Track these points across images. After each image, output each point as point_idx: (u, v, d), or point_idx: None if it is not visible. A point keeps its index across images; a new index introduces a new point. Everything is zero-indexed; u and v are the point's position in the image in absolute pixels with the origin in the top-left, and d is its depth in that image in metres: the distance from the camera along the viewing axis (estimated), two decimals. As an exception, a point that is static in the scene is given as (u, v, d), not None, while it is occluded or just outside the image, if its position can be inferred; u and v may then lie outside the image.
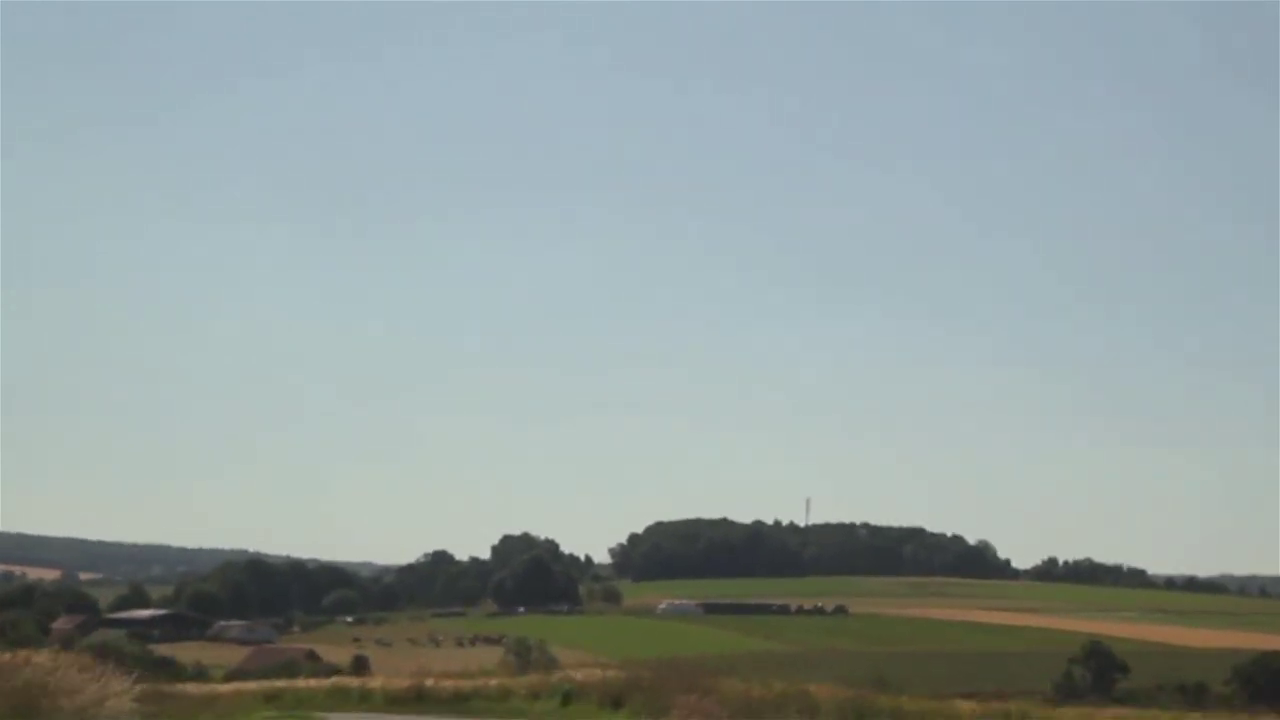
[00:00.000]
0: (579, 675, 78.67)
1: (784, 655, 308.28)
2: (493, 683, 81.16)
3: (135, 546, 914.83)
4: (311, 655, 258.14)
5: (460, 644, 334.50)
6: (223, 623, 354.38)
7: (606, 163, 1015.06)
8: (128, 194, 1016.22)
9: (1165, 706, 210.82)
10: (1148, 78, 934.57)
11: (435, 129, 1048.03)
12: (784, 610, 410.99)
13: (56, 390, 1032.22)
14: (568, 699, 75.26)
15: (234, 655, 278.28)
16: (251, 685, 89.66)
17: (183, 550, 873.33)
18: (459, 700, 77.78)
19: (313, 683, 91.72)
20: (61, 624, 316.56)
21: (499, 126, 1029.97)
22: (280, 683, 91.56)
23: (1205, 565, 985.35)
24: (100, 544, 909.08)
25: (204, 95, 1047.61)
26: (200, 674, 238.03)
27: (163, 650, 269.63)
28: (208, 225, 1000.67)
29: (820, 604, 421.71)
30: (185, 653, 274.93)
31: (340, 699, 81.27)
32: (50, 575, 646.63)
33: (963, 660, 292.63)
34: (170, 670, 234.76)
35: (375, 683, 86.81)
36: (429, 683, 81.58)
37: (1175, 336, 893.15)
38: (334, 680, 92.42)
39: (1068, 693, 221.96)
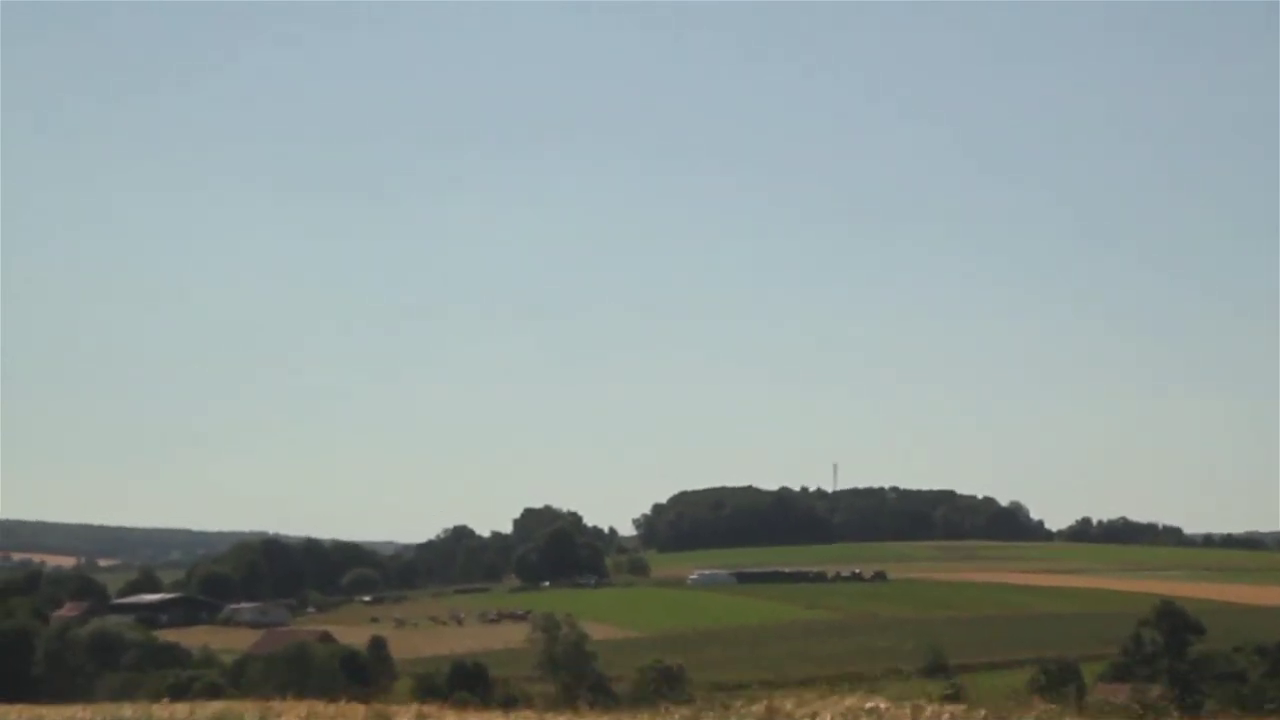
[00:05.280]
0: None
1: (830, 624, 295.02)
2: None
3: (153, 531, 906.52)
4: (326, 637, 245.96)
5: (485, 621, 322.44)
6: (234, 606, 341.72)
7: (621, 122, 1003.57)
8: (131, 170, 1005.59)
9: (1246, 669, 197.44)
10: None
11: (445, 93, 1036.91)
12: (821, 578, 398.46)
13: (72, 377, 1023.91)
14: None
15: (244, 639, 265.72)
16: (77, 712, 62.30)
17: (202, 534, 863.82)
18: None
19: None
20: (67, 610, 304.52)
21: (512, 86, 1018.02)
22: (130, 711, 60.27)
23: (1234, 522, 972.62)
24: (118, 529, 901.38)
25: (195, 68, 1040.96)
26: (207, 659, 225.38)
27: (170, 636, 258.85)
28: (213, 204, 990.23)
29: (858, 570, 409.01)
30: (193, 638, 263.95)
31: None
32: (68, 562, 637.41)
33: (1019, 624, 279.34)
34: (174, 656, 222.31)
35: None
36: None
37: (1209, 292, 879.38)
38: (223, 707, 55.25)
39: (1138, 656, 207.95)
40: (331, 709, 49.18)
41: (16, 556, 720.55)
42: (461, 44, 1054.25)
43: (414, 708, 50.00)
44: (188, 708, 55.16)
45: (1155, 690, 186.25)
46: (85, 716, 56.16)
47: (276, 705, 50.52)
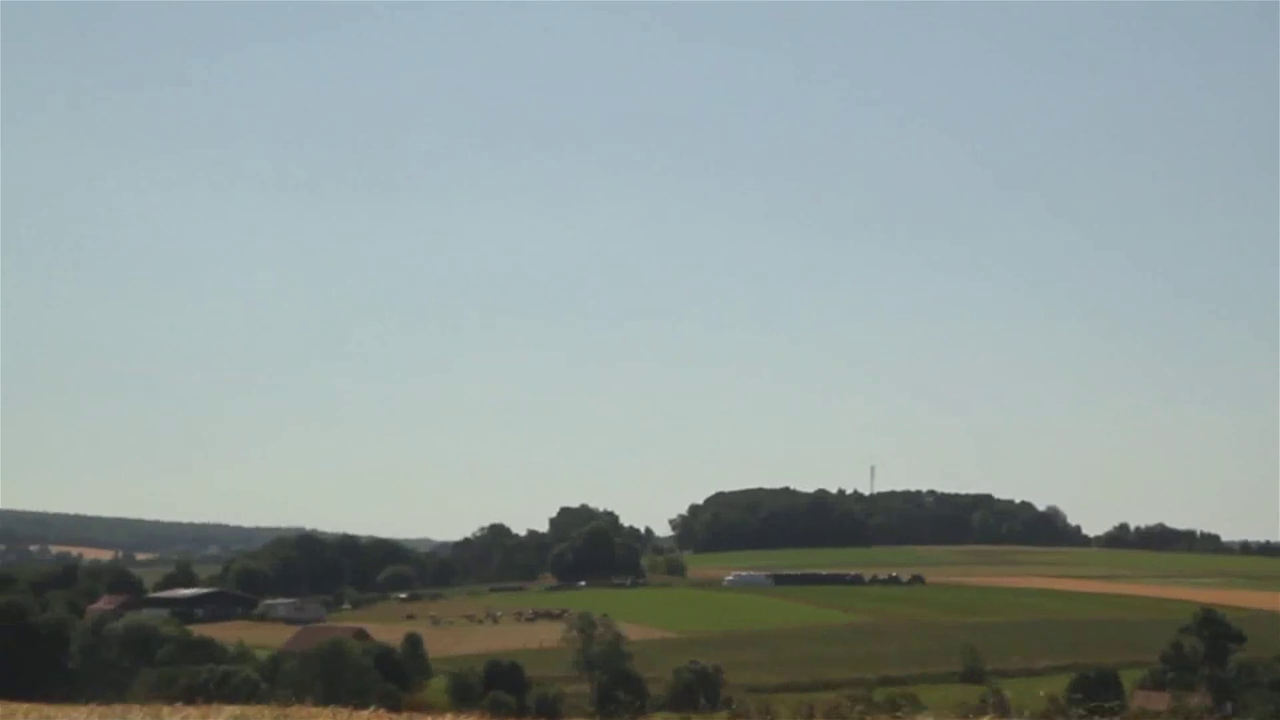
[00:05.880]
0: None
1: (868, 627, 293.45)
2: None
3: (190, 526, 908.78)
4: (361, 634, 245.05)
5: (520, 619, 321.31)
6: (269, 601, 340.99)
7: (657, 123, 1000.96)
8: (149, 170, 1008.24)
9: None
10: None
11: (479, 94, 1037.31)
12: (857, 580, 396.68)
13: (112, 374, 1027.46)
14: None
15: (279, 635, 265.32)
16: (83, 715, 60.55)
17: (238, 529, 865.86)
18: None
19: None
20: (102, 604, 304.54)
21: (551, 88, 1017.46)
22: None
23: (1273, 529, 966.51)
24: (156, 524, 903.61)
25: (201, 64, 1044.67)
26: (242, 654, 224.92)
27: (205, 630, 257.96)
28: (254, 206, 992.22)
29: (895, 573, 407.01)
30: (228, 633, 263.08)
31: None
32: (106, 556, 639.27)
33: (1057, 630, 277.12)
34: (209, 651, 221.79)
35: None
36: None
37: (1250, 302, 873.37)
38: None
39: (1178, 664, 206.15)
40: (354, 718, 46.33)
41: (55, 549, 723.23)
42: (507, 45, 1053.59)
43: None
44: (199, 712, 53.04)
45: (1195, 698, 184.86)
46: (91, 719, 54.40)
47: (295, 711, 48.26)
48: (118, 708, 57.09)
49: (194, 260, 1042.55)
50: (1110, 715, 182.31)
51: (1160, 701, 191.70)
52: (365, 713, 45.73)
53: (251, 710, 51.31)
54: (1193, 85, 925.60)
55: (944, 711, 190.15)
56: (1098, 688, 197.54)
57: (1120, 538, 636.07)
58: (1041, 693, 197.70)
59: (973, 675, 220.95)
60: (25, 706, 64.25)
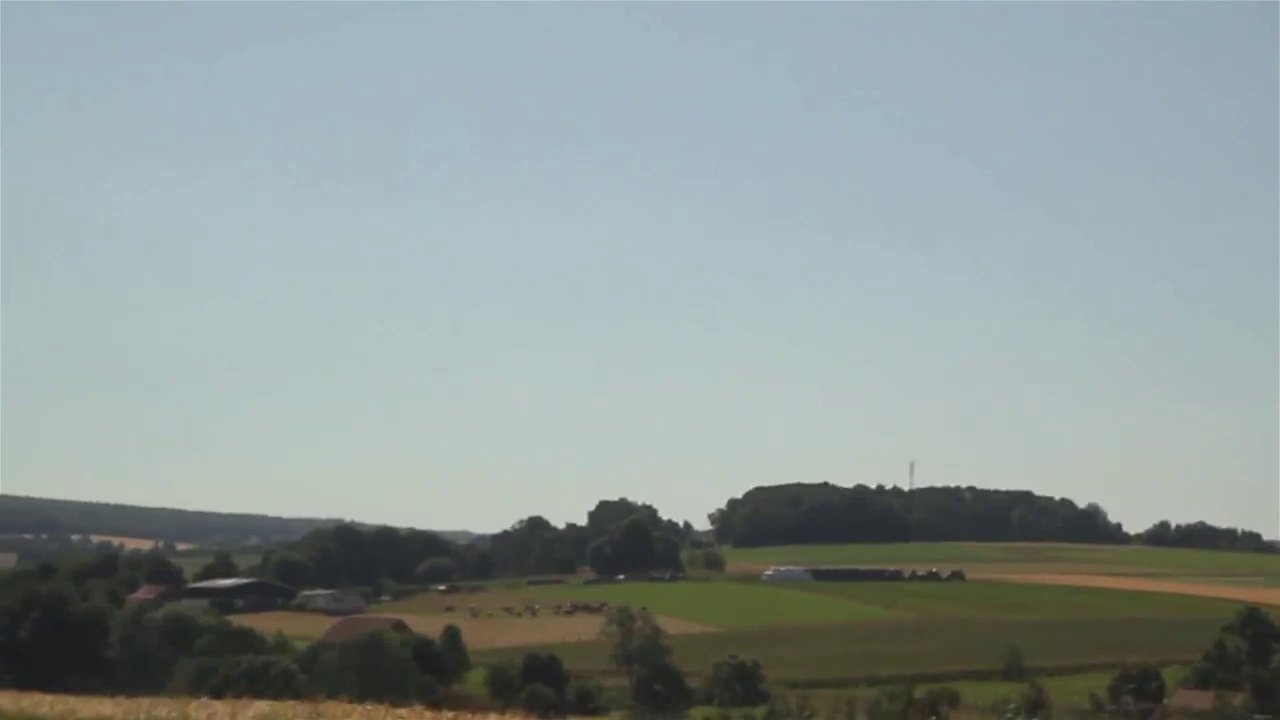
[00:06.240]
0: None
1: (908, 624, 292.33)
2: None
3: (230, 516, 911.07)
4: (400, 626, 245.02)
5: (559, 613, 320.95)
6: (308, 592, 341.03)
7: (688, 123, 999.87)
8: (208, 163, 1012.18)
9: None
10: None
11: (490, 93, 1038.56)
12: (897, 576, 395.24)
13: (154, 365, 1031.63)
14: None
15: (318, 626, 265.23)
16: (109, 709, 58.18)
17: (278, 520, 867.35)
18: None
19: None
20: (142, 594, 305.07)
21: (565, 89, 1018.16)
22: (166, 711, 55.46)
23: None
24: (196, 514, 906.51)
25: (209, 59, 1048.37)
26: (281, 645, 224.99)
27: (244, 621, 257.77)
28: (298, 202, 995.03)
29: (935, 569, 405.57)
30: (267, 623, 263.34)
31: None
32: (146, 546, 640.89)
33: (1098, 628, 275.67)
34: (248, 642, 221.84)
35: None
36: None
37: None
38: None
39: (1221, 663, 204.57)
40: (390, 717, 44.09)
41: (96, 539, 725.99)
42: (509, 44, 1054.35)
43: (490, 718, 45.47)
44: (229, 708, 51.71)
45: (1238, 698, 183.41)
46: (116, 713, 53.43)
47: (329, 708, 46.22)
48: (144, 701, 56.12)
49: (227, 252, 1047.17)
50: (1149, 714, 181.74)
51: (1203, 700, 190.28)
52: (404, 710, 43.64)
53: (283, 707, 49.72)
54: (1193, 85, 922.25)
55: (985, 708, 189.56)
56: (1139, 686, 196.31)
57: (1161, 536, 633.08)
58: (1080, 700, 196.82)
59: (1013, 672, 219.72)
60: (51, 698, 63.64)
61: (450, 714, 42.76)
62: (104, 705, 56.52)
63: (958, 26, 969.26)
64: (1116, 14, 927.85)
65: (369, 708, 45.34)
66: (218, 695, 61.57)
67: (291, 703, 50.80)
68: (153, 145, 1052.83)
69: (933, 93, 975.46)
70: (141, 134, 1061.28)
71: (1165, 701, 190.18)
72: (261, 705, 50.28)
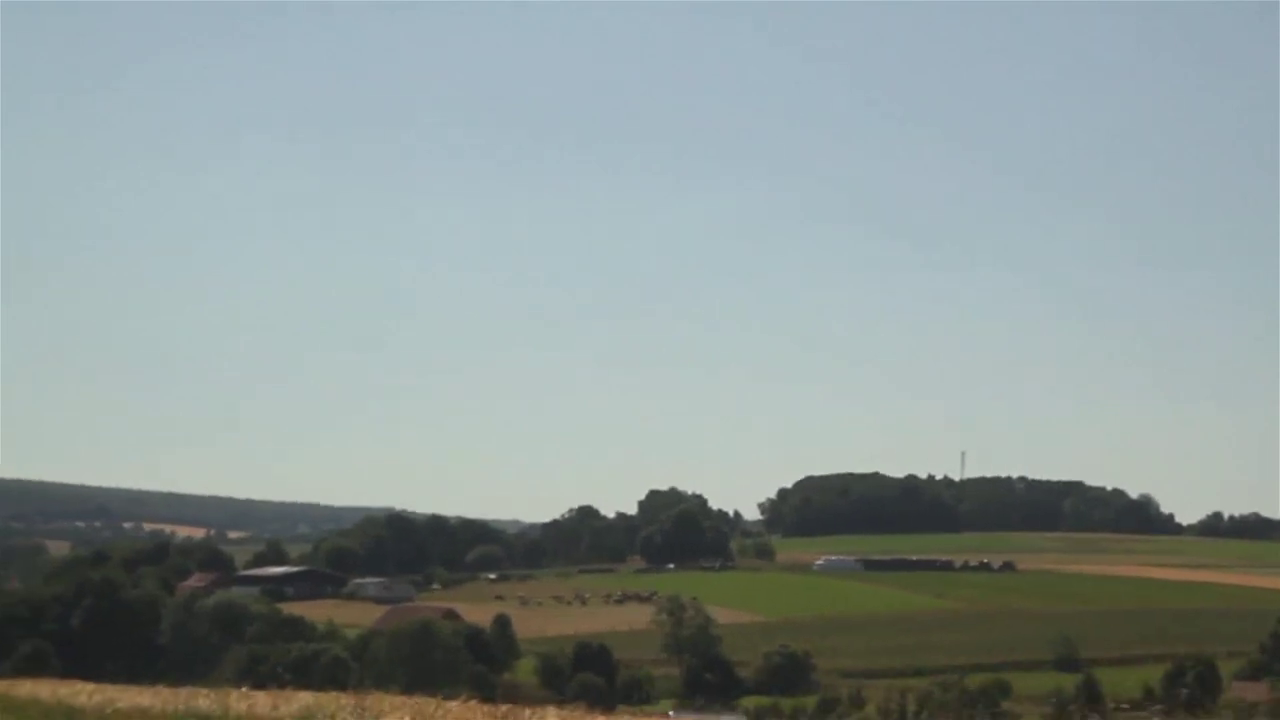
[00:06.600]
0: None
1: (960, 614, 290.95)
2: None
3: (282, 505, 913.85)
4: (450, 614, 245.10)
5: (609, 601, 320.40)
6: (359, 580, 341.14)
7: (740, 125, 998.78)
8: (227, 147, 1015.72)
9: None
10: None
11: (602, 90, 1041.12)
12: (948, 566, 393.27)
13: (208, 355, 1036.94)
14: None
15: (368, 614, 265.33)
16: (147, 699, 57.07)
17: (329, 508, 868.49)
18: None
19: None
20: (194, 581, 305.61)
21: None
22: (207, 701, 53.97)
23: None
24: (248, 502, 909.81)
25: (236, 39, 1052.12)
26: (331, 633, 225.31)
27: (295, 609, 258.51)
28: (367, 192, 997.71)
29: (986, 559, 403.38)
30: (318, 611, 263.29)
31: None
32: (198, 534, 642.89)
33: (1152, 619, 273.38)
34: (298, 630, 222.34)
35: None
36: None
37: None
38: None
39: (1276, 654, 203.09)
40: (440, 711, 41.45)
41: (148, 527, 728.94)
42: (510, 44, 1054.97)
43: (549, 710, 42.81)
44: (270, 700, 50.02)
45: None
46: (155, 703, 52.49)
47: (375, 702, 43.84)
48: (184, 692, 55.25)
49: (277, 236, 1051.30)
50: (1204, 711, 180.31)
51: (1258, 692, 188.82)
52: (455, 703, 41.65)
53: (327, 699, 47.67)
54: (1195, 81, 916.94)
55: (1039, 699, 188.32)
56: (1194, 678, 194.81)
57: (1214, 527, 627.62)
58: (1134, 691, 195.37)
59: (1066, 663, 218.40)
60: (90, 687, 63.00)
61: (504, 707, 40.69)
62: (143, 695, 55.74)
63: (956, 25, 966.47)
64: (1120, 13, 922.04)
65: (418, 700, 43.15)
66: (261, 685, 60.49)
67: (336, 695, 48.87)
68: (153, 144, 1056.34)
69: (978, 97, 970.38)
70: (141, 133, 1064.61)
71: (1215, 694, 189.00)
72: (305, 697, 48.61)
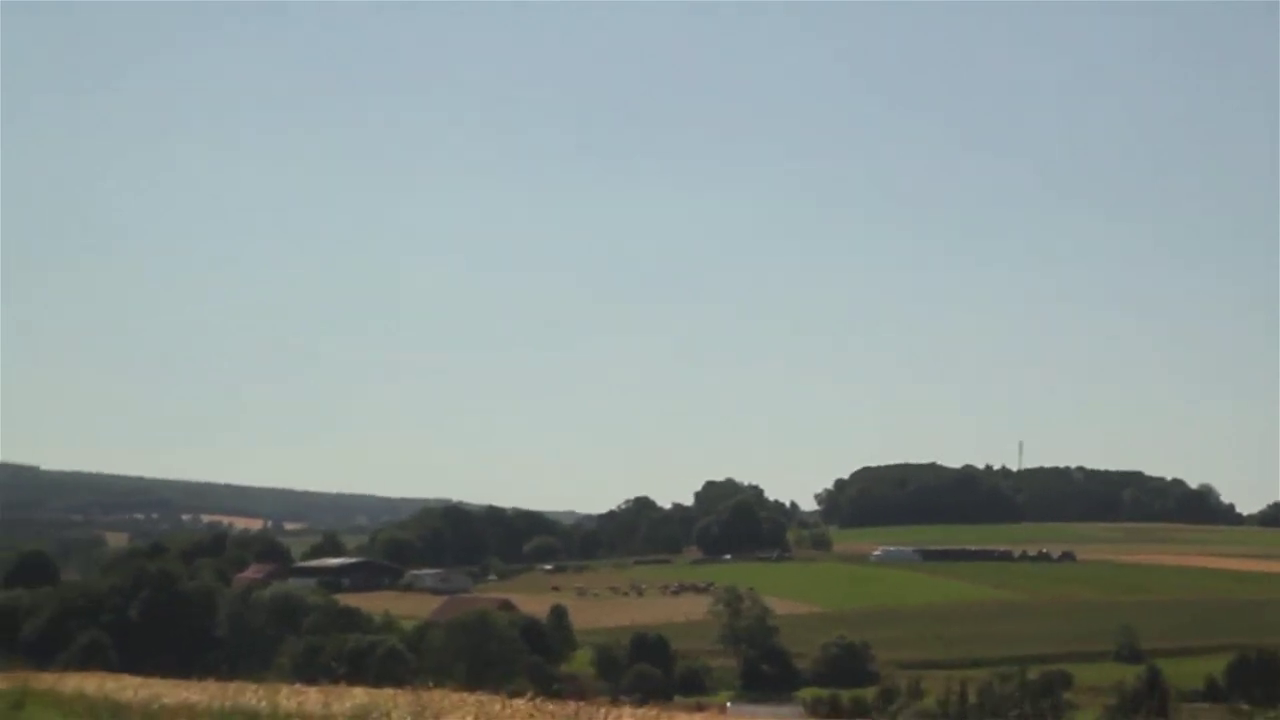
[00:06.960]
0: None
1: (1020, 605, 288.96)
2: None
3: (339, 496, 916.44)
4: (506, 605, 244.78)
5: (666, 593, 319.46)
6: (415, 572, 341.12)
7: (807, 114, 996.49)
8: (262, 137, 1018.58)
9: None
10: None
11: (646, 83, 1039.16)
12: (1006, 556, 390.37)
13: (267, 347, 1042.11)
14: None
15: (425, 606, 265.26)
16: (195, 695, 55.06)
17: (386, 499, 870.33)
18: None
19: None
20: (251, 573, 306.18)
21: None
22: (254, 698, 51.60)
23: None
24: (305, 494, 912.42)
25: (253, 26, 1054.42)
26: (388, 625, 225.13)
27: (352, 600, 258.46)
28: (422, 189, 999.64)
29: (1045, 550, 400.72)
30: (374, 603, 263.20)
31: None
32: (255, 525, 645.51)
33: (1213, 610, 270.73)
34: (355, 621, 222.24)
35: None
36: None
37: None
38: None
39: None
40: (507, 710, 37.86)
41: (206, 518, 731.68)
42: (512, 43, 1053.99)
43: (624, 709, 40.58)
44: (322, 696, 48.17)
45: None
46: (201, 699, 51.21)
47: (435, 699, 40.95)
48: (231, 687, 53.99)
49: (346, 241, 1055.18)
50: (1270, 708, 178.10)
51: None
52: (521, 701, 38.19)
53: (382, 696, 45.43)
54: (1201, 72, 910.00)
55: (1101, 690, 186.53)
56: (1258, 670, 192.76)
57: (1275, 517, 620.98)
58: (1196, 683, 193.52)
59: (1128, 654, 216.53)
60: (137, 682, 62.28)
61: (574, 705, 37.98)
62: (190, 690, 54.68)
63: (963, 18, 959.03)
64: (1124, 10, 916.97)
65: (482, 699, 39.83)
66: (312, 681, 59.04)
67: (392, 691, 46.84)
68: (153, 144, 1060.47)
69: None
70: (141, 133, 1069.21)
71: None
72: (359, 694, 46.61)
